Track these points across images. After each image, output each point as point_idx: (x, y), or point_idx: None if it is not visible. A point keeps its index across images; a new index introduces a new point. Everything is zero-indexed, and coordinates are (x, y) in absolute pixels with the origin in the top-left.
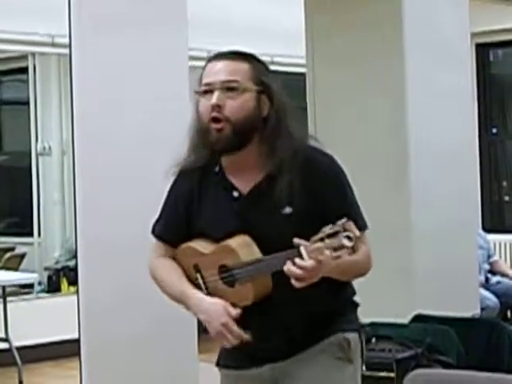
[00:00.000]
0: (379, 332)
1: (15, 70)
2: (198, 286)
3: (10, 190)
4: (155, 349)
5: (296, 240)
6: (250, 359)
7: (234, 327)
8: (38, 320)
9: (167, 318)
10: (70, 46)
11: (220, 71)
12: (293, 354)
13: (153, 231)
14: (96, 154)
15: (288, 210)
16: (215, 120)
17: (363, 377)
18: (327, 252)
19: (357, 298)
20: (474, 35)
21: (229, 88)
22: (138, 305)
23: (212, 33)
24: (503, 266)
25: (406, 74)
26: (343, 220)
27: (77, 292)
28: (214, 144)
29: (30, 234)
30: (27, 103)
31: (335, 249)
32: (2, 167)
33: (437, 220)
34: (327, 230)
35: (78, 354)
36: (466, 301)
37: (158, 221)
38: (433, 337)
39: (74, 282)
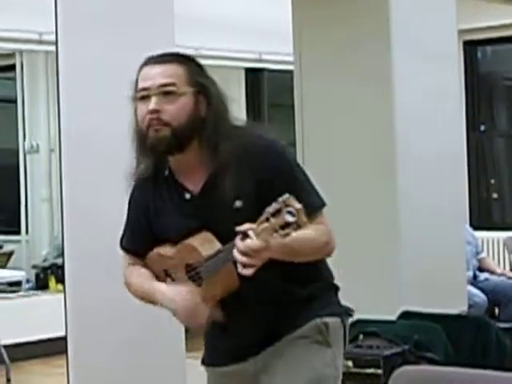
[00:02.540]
0: (366, 329)
1: (2, 68)
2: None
3: None
4: (142, 346)
5: (241, 227)
6: (232, 356)
7: (200, 305)
8: (26, 318)
9: (155, 315)
10: (56, 43)
11: (156, 75)
12: (271, 344)
13: (120, 244)
14: (83, 151)
15: (238, 203)
16: (153, 124)
17: (350, 373)
18: (274, 231)
19: (338, 284)
20: (461, 32)
21: (166, 92)
22: (125, 303)
23: (198, 30)
24: (491, 263)
25: (394, 71)
26: (284, 196)
27: (64, 290)
28: (153, 146)
29: (18, 232)
30: (15, 101)
31: (282, 227)
32: None
33: (424, 217)
34: (270, 209)
35: (65, 351)
36: (454, 298)
37: (123, 234)
38: (420, 333)
39: (61, 279)
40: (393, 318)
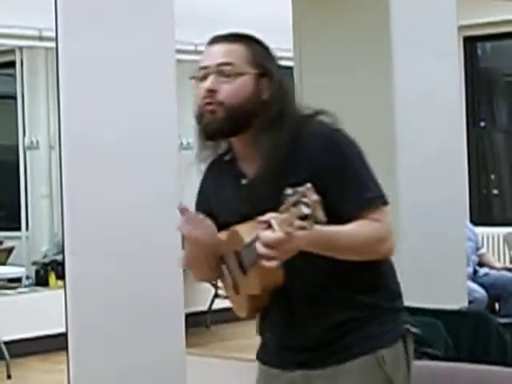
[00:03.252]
0: None
1: (2, 64)
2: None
3: None
4: (143, 342)
5: (263, 216)
6: (276, 357)
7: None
8: (26, 314)
9: (155, 311)
10: (56, 39)
11: (215, 54)
12: (322, 365)
13: None
14: (83, 148)
15: (290, 191)
16: (209, 104)
17: None
18: (293, 222)
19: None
20: (461, 28)
21: (223, 71)
22: (125, 299)
23: (198, 26)
24: (491, 258)
25: (394, 67)
26: (305, 186)
27: (64, 286)
28: (206, 127)
29: (18, 228)
30: (15, 97)
31: (301, 218)
32: None
33: (425, 213)
34: (291, 199)
35: (65, 348)
36: (454, 293)
37: None
38: (421, 329)
39: (62, 276)
40: None
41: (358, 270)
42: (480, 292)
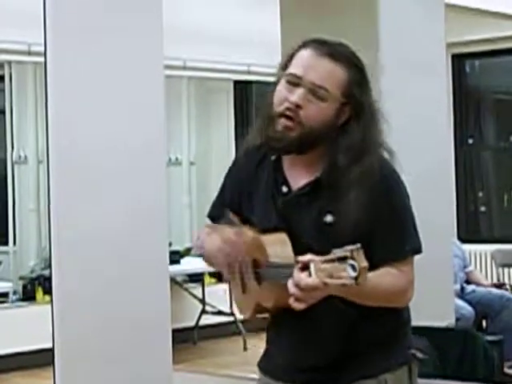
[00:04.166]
0: None
1: None
2: (234, 273)
3: None
4: (130, 359)
5: (303, 257)
6: (282, 371)
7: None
8: (13, 329)
9: (142, 327)
10: (45, 54)
11: (314, 69)
12: None
13: (209, 212)
14: (71, 163)
15: (329, 218)
16: (287, 117)
17: None
18: (334, 275)
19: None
20: (449, 46)
21: (316, 92)
22: (112, 314)
23: (187, 41)
24: (478, 275)
25: (381, 84)
26: (355, 246)
27: (51, 301)
28: (274, 140)
29: (5, 243)
30: (3, 112)
31: (340, 276)
32: None
33: None
34: (338, 252)
35: (52, 363)
36: (441, 310)
37: (214, 202)
38: None
39: (49, 291)
40: None
41: None
42: (467, 309)
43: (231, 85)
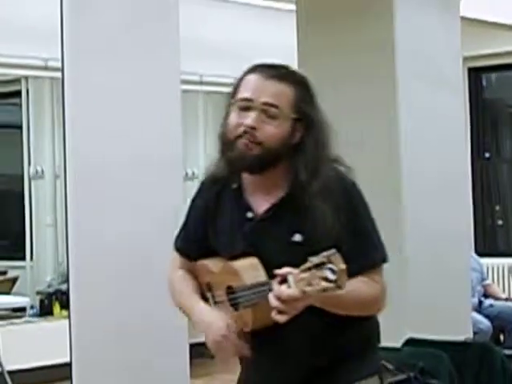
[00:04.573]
0: None
1: (8, 94)
2: (209, 305)
3: (3, 213)
4: (147, 373)
5: (281, 270)
6: None
7: (233, 338)
8: (30, 344)
9: (160, 343)
10: (62, 69)
11: (263, 91)
12: None
13: (175, 243)
14: (88, 177)
15: (298, 237)
16: (245, 138)
17: None
18: (313, 283)
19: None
20: (466, 59)
21: (268, 112)
22: (129, 329)
23: (203, 56)
24: (496, 289)
25: (398, 98)
26: (331, 251)
27: (69, 316)
28: (236, 160)
29: (23, 258)
30: (20, 127)
31: (321, 281)
32: None
33: (430, 244)
34: (314, 260)
35: (69, 378)
36: (459, 324)
37: (179, 233)
38: (425, 360)
39: (66, 305)
40: (398, 345)
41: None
42: (485, 323)
43: None
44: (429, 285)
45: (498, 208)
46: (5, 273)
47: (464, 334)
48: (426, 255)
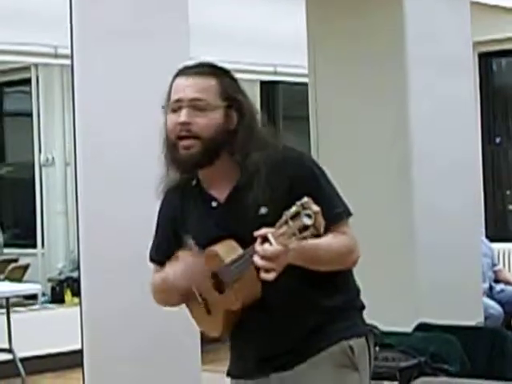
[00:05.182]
0: (382, 341)
1: (18, 82)
2: (197, 300)
3: (14, 201)
4: (158, 359)
5: (260, 231)
6: (255, 367)
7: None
8: (42, 331)
9: (171, 328)
10: (71, 56)
11: (189, 88)
12: (297, 364)
13: (150, 256)
14: (99, 164)
15: (263, 210)
16: (183, 138)
17: None
18: (292, 235)
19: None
20: (476, 44)
21: (197, 106)
22: (141, 316)
23: (213, 43)
24: (507, 274)
25: (409, 84)
26: (303, 199)
27: (80, 303)
28: (182, 162)
29: (34, 245)
30: (30, 114)
31: (300, 230)
32: (6, 178)
33: (440, 229)
34: (289, 212)
35: (81, 365)
36: (470, 309)
37: (152, 245)
38: (436, 345)
39: (77, 292)
40: (409, 329)
41: (325, 275)
42: (496, 308)
43: (257, 85)
44: (440, 270)
45: (508, 193)
46: (16, 260)
47: (475, 319)
48: (436, 240)
